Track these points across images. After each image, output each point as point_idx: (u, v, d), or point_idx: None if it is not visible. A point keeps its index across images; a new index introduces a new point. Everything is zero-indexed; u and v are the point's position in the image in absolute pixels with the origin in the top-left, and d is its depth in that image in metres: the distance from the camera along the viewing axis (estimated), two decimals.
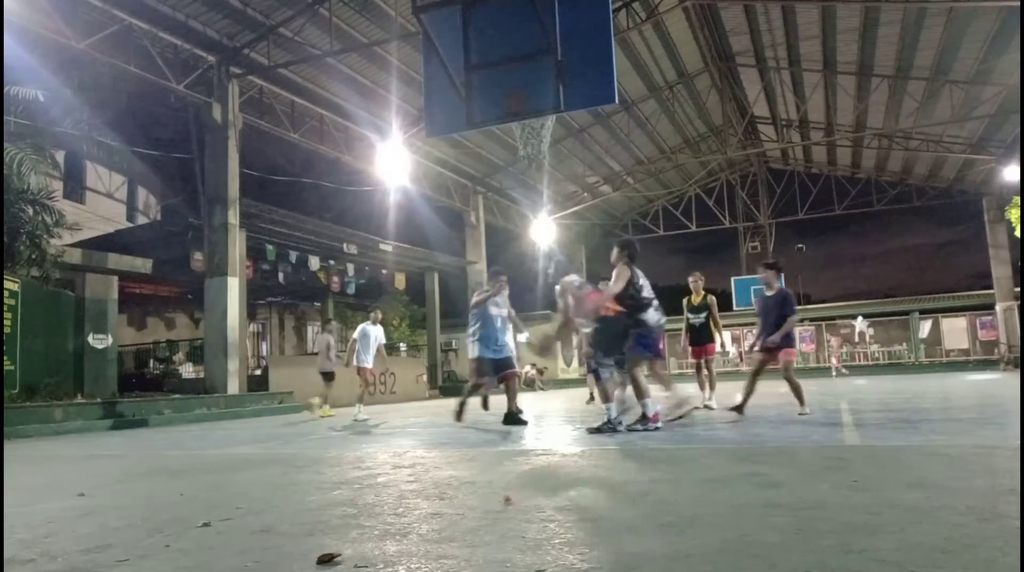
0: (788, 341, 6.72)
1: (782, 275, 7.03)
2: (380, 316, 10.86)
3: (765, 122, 24.19)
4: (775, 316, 6.71)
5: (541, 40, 5.47)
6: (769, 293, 6.91)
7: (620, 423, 5.70)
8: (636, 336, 5.74)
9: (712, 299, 8.51)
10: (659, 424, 5.59)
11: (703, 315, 8.38)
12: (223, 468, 4.42)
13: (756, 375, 6.85)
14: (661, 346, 6.17)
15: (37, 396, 10.11)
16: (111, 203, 20.39)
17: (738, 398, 6.78)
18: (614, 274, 5.91)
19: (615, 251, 6.03)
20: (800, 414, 6.50)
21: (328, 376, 11.24)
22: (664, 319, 5.99)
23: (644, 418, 5.58)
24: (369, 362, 10.23)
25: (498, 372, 7.28)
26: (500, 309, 7.41)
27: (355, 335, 10.44)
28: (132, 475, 4.34)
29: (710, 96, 21.94)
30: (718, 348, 8.67)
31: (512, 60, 5.69)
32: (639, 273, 5.96)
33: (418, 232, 22.62)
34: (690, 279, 8.57)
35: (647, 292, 5.92)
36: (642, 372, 5.74)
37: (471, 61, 5.71)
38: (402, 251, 20.44)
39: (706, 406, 7.83)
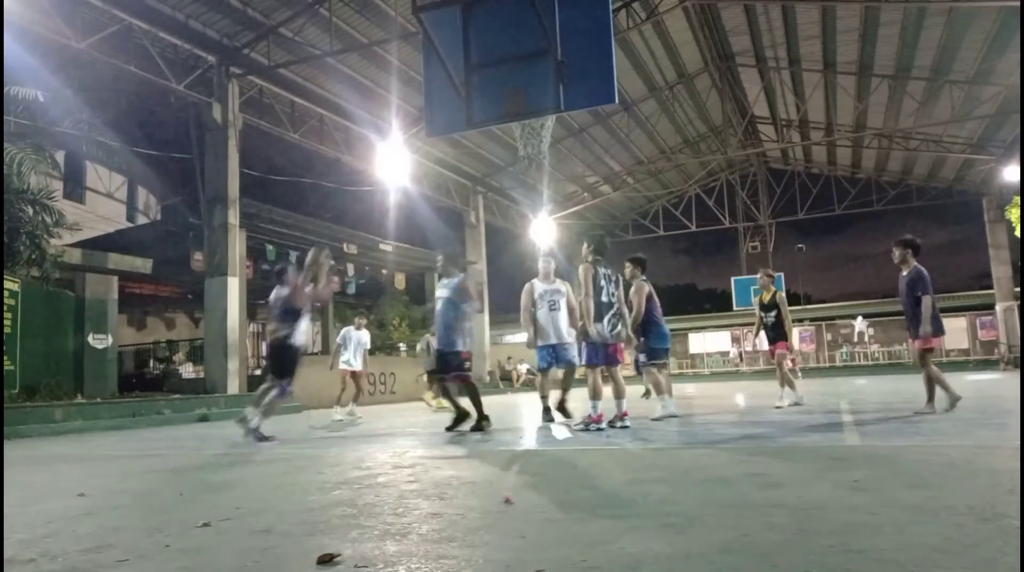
0: (928, 328, 6.15)
1: (909, 252, 6.38)
2: (364, 322, 11.02)
3: (765, 122, 24.19)
4: (906, 298, 6.36)
5: (541, 40, 5.46)
6: (904, 273, 6.44)
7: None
8: (587, 348, 5.88)
9: (781, 296, 8.35)
10: (601, 425, 5.67)
11: (773, 313, 8.15)
12: (223, 468, 4.42)
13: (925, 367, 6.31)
14: (618, 352, 6.08)
15: (37, 396, 10.11)
16: (111, 203, 20.40)
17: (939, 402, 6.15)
18: (580, 273, 5.86)
19: (584, 247, 6.12)
20: (917, 413, 5.98)
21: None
22: (619, 328, 5.94)
23: (588, 417, 5.71)
24: (356, 365, 10.31)
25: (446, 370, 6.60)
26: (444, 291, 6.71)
27: (337, 339, 10.69)
28: (132, 475, 4.33)
29: (710, 96, 21.94)
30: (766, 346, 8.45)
31: (512, 60, 5.69)
32: (603, 273, 5.91)
33: (418, 232, 22.61)
34: (758, 276, 8.51)
35: (606, 295, 5.84)
36: (598, 374, 5.87)
37: (471, 61, 5.71)
38: (402, 251, 20.46)
39: (795, 404, 7.66)
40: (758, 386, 17.69)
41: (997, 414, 6.10)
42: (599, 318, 5.78)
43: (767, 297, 8.29)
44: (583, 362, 5.93)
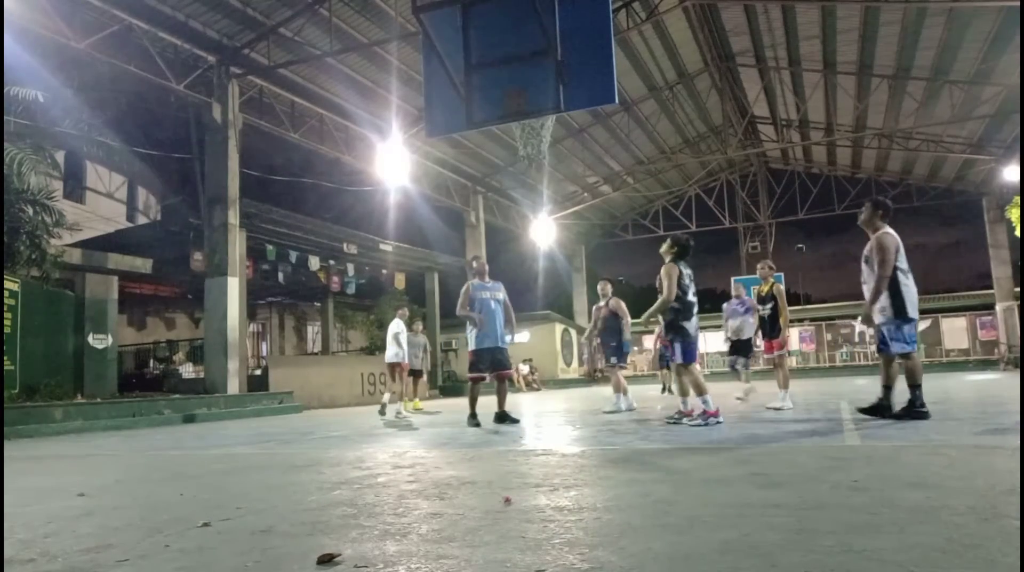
0: None
1: None
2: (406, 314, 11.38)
3: (765, 122, 24.20)
4: None
5: (541, 40, 5.47)
6: None
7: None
8: (681, 346, 5.99)
9: (780, 289, 8.00)
10: (720, 418, 5.76)
11: (770, 306, 7.89)
12: (223, 468, 4.42)
13: None
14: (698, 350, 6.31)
15: (37, 396, 10.11)
16: (111, 203, 20.40)
17: None
18: (663, 272, 5.99)
19: (665, 246, 6.16)
20: None
21: (417, 373, 11.78)
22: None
23: (704, 413, 5.82)
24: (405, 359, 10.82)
25: (495, 368, 7.10)
26: (493, 293, 7.21)
27: (396, 329, 10.83)
28: (132, 475, 4.33)
29: (710, 96, 21.96)
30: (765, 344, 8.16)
31: (512, 60, 5.70)
32: (687, 272, 6.05)
33: (418, 232, 22.63)
34: (758, 267, 8.18)
35: (692, 294, 5.99)
36: (690, 374, 6.09)
37: (471, 61, 5.72)
38: (402, 251, 20.45)
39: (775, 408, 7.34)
40: (757, 386, 17.69)
41: (997, 414, 6.10)
42: (688, 317, 5.99)
43: (765, 289, 7.98)
44: (680, 360, 6.08)
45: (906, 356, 5.57)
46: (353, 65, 15.20)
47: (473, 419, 6.88)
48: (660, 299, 5.96)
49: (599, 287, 9.06)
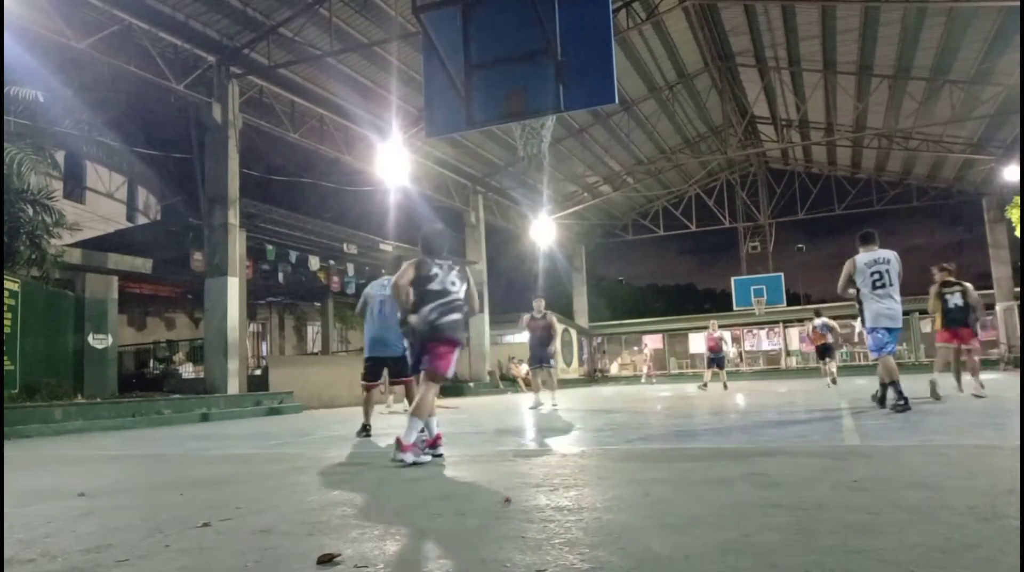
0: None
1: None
2: None
3: (765, 122, 24.19)
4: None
5: (541, 40, 5.47)
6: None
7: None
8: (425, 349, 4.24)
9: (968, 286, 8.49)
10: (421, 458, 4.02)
11: (958, 293, 8.37)
12: (223, 468, 4.42)
13: None
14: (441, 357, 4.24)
15: (37, 396, 10.10)
16: (111, 203, 20.41)
17: None
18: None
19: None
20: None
21: None
22: (453, 318, 4.23)
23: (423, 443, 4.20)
24: None
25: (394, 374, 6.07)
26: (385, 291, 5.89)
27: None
28: (132, 475, 4.33)
29: (710, 96, 21.95)
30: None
31: (512, 60, 5.70)
32: (437, 264, 4.35)
33: (418, 232, 22.58)
34: (947, 272, 8.70)
35: (438, 284, 4.25)
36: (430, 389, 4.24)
37: (471, 61, 5.72)
38: (402, 251, 20.44)
39: (976, 396, 7.91)
40: (758, 386, 17.70)
41: (997, 414, 6.10)
42: (419, 307, 4.24)
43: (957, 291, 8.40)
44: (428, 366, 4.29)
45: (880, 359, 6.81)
46: (353, 65, 15.19)
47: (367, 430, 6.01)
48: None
49: (534, 303, 10.72)
